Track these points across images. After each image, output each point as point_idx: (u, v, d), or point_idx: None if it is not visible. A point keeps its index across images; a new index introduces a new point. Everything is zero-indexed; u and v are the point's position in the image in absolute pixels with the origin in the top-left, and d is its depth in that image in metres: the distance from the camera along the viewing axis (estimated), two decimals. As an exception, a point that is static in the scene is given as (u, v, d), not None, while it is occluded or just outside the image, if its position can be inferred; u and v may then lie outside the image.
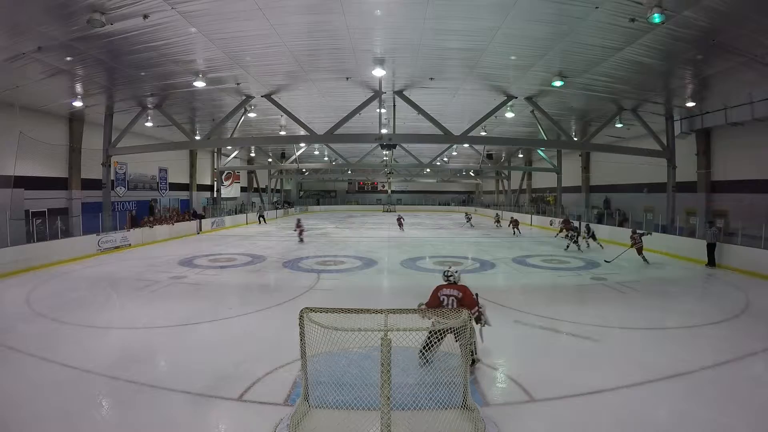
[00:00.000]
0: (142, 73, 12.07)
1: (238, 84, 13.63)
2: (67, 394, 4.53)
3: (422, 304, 5.44)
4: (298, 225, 19.71)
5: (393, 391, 3.51)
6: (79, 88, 13.44)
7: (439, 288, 5.35)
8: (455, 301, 5.14)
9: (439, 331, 4.13)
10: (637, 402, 4.45)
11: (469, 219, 29.85)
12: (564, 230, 18.00)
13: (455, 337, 4.30)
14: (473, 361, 4.95)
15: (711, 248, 12.38)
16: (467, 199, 52.47)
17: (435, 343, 4.35)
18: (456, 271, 5.53)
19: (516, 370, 5.30)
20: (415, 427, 3.72)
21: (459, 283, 5.40)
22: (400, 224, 25.60)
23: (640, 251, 12.95)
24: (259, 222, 29.75)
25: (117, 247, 15.81)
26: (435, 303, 5.20)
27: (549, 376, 5.06)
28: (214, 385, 4.74)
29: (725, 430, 3.95)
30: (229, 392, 4.59)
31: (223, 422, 4.24)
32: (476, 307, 5.21)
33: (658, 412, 4.28)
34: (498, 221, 28.31)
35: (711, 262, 12.37)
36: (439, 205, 50.63)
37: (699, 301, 9.01)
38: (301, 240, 18.99)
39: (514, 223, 23.27)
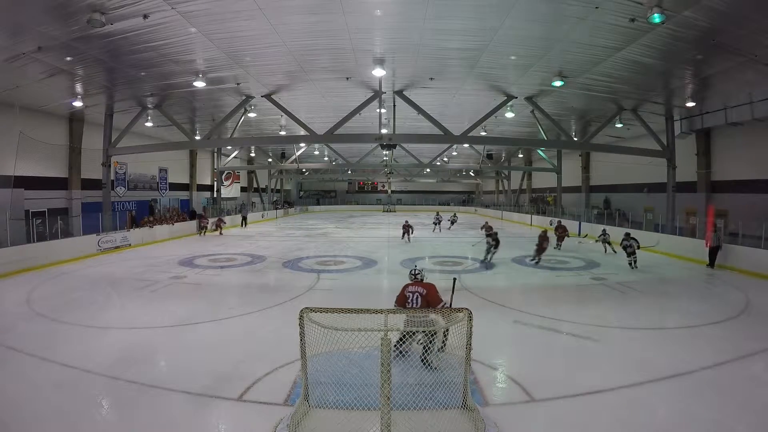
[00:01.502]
0: (142, 73, 12.08)
1: (238, 84, 13.63)
2: (67, 394, 4.53)
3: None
4: (219, 222, 22.88)
5: (393, 391, 3.50)
6: (79, 88, 13.44)
7: (406, 286, 5.55)
8: (419, 297, 5.33)
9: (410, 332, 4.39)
10: (637, 402, 4.45)
11: (450, 220, 25.68)
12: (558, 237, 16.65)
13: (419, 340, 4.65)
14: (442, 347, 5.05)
15: (714, 251, 12.33)
16: (467, 199, 52.46)
17: (407, 339, 4.52)
18: (421, 269, 5.85)
19: (516, 370, 5.29)
20: (415, 427, 3.72)
21: (425, 281, 5.64)
22: (407, 232, 19.01)
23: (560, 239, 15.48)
24: (241, 226, 26.68)
25: (117, 247, 15.81)
26: (401, 300, 5.43)
27: (549, 376, 5.06)
28: (214, 385, 4.74)
29: (725, 430, 3.95)
30: (229, 392, 4.59)
31: (223, 422, 4.24)
32: (441, 303, 5.32)
33: (658, 412, 4.28)
34: (444, 222, 25.12)
35: (711, 264, 12.35)
36: (440, 205, 50.50)
37: (699, 301, 9.00)
38: (220, 233, 22.35)
39: (487, 229, 16.81)
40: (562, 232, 16.79)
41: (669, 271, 12.18)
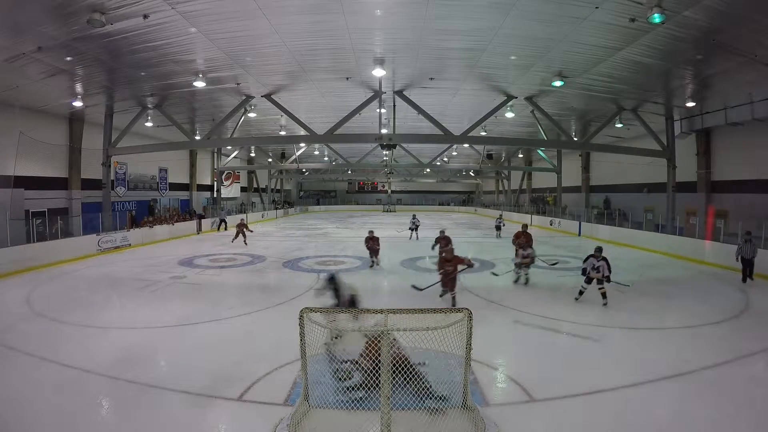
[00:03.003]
0: (142, 73, 12.08)
1: (238, 84, 13.63)
2: (67, 394, 4.53)
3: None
4: (241, 226, 17.41)
5: (393, 391, 3.51)
6: (79, 88, 13.44)
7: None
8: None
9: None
10: (637, 402, 4.45)
11: (496, 226, 21.45)
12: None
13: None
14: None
15: (749, 264, 10.31)
16: (467, 199, 52.45)
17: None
18: None
19: (516, 370, 5.30)
20: (415, 427, 3.72)
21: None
22: (374, 250, 12.71)
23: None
24: (218, 229, 24.12)
25: (117, 247, 15.80)
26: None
27: (549, 376, 5.06)
28: (214, 385, 4.74)
29: (725, 430, 3.96)
30: (229, 392, 4.59)
31: (223, 422, 4.24)
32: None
33: (658, 412, 4.27)
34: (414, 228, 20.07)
35: (749, 277, 10.34)
36: (440, 205, 50.62)
37: (699, 301, 8.98)
38: (243, 242, 17.11)
39: (443, 242, 11.21)
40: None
41: (669, 271, 12.17)
